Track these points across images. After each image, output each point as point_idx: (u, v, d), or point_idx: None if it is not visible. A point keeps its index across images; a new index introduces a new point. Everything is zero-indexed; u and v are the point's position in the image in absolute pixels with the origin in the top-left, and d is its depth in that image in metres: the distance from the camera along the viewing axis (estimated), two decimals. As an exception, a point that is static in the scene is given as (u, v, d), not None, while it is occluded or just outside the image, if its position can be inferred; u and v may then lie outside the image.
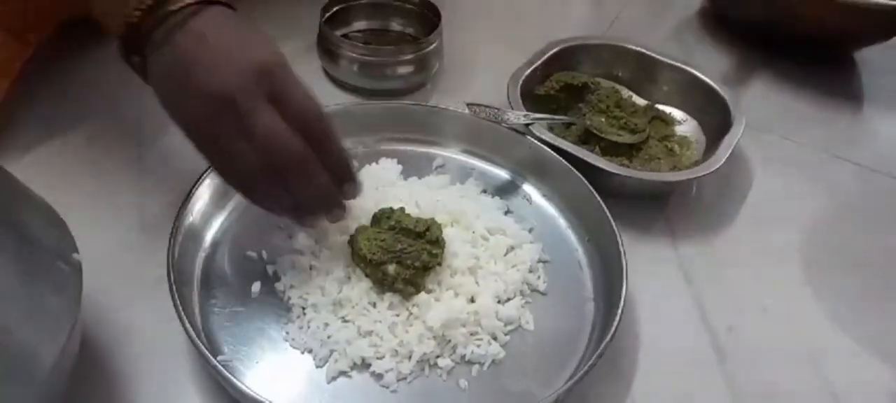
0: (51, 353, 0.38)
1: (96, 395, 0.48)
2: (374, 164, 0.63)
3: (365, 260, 0.53)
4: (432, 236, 0.53)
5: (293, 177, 0.47)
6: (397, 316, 0.52)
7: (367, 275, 0.53)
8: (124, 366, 0.50)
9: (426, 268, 0.53)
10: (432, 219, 0.55)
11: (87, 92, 0.69)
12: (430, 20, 0.74)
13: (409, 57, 0.71)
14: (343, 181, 0.50)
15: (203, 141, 0.48)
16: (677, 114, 0.72)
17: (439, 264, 0.54)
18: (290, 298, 0.53)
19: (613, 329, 0.49)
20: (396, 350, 0.50)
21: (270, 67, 0.45)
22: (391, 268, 0.52)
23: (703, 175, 0.62)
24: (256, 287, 0.54)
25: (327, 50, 0.72)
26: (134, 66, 0.50)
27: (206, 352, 0.46)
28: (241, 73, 0.44)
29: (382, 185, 0.60)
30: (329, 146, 0.48)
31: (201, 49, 0.45)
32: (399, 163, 0.63)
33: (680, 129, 0.71)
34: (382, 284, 0.52)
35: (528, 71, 0.69)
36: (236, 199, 0.58)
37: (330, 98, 0.72)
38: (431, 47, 0.72)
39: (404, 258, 0.52)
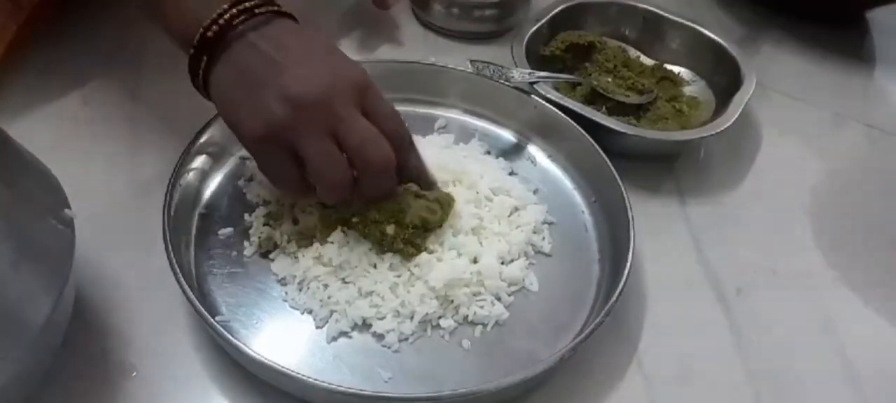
0: (43, 309, 0.37)
1: (92, 355, 0.47)
2: None
3: (361, 222, 0.52)
4: (445, 204, 0.53)
5: (377, 179, 0.48)
6: (398, 276, 0.51)
7: (364, 236, 0.52)
8: (121, 327, 0.49)
9: (426, 228, 0.52)
10: (441, 196, 0.53)
11: (81, 52, 0.68)
12: None
13: (496, 0, 0.73)
14: (418, 183, 0.52)
15: (278, 143, 0.46)
16: (686, 73, 0.70)
17: (439, 225, 0.52)
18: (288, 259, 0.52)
19: (619, 289, 0.48)
20: (398, 311, 0.49)
21: (365, 84, 0.47)
22: (390, 229, 0.51)
23: (713, 134, 0.60)
24: (254, 247, 0.53)
25: None
26: (196, 75, 0.48)
27: (205, 312, 0.45)
28: (337, 83, 0.45)
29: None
30: (410, 154, 0.51)
31: (286, 54, 0.45)
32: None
33: (688, 90, 0.69)
34: (381, 244, 0.51)
35: (533, 29, 0.68)
36: (233, 160, 0.58)
37: (418, 39, 0.75)
38: None
39: (402, 217, 0.51)
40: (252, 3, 0.46)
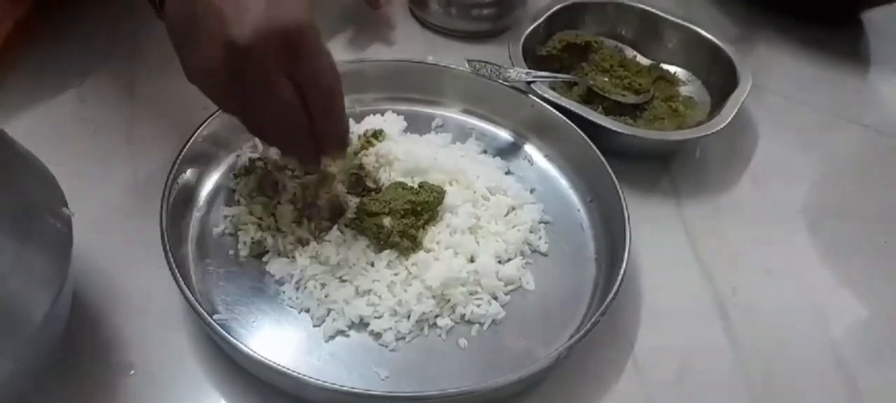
0: (41, 307, 0.37)
1: (90, 353, 0.47)
2: (378, 116, 0.62)
3: (358, 217, 0.52)
4: (429, 188, 0.54)
5: (288, 142, 0.48)
6: (396, 275, 0.51)
7: (362, 232, 0.52)
8: (118, 326, 0.49)
9: (416, 213, 0.52)
10: (425, 182, 0.55)
11: (79, 50, 0.68)
12: None
13: None
14: (333, 147, 0.50)
15: (213, 84, 0.46)
16: (682, 73, 0.70)
17: (431, 213, 0.53)
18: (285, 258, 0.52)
19: (615, 288, 0.49)
20: (395, 310, 0.49)
21: (301, 31, 0.43)
22: (386, 221, 0.51)
23: (709, 134, 0.60)
24: (247, 249, 0.52)
25: None
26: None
27: (202, 311, 0.45)
28: (269, 31, 0.42)
29: (382, 139, 0.59)
30: (335, 117, 0.48)
31: None
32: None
33: (684, 90, 0.69)
34: (378, 239, 0.52)
35: (530, 29, 0.68)
36: (231, 157, 0.58)
37: (415, 38, 0.75)
38: None
39: (396, 207, 0.52)
40: None
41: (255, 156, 0.56)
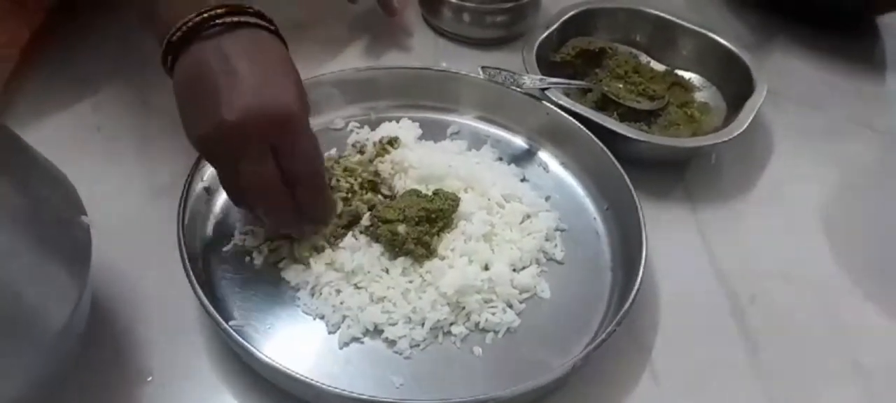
0: (61, 315, 0.37)
1: (108, 360, 0.48)
2: (393, 123, 0.62)
3: (373, 225, 0.52)
4: (444, 196, 0.54)
5: (269, 213, 0.50)
6: (410, 282, 0.51)
7: (376, 239, 0.52)
8: (136, 332, 0.49)
9: (430, 220, 0.52)
10: (440, 189, 0.55)
11: (94, 59, 0.68)
12: None
13: (507, 6, 0.73)
14: (314, 220, 0.52)
15: (205, 151, 0.49)
16: (696, 79, 0.70)
17: (446, 220, 0.53)
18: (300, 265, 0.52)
19: (632, 297, 0.48)
20: (410, 317, 0.49)
21: (289, 117, 0.46)
22: (401, 228, 0.51)
23: (725, 140, 0.60)
24: (263, 256, 0.53)
25: None
26: (164, 65, 0.50)
27: (218, 317, 0.45)
28: (255, 113, 0.45)
29: (397, 146, 0.59)
30: (317, 193, 0.50)
31: (228, 74, 0.45)
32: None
33: (699, 96, 0.69)
34: (393, 245, 0.52)
35: (544, 35, 0.68)
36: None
37: (428, 45, 0.75)
38: None
39: (410, 214, 0.52)
40: (221, 10, 0.47)
41: None
